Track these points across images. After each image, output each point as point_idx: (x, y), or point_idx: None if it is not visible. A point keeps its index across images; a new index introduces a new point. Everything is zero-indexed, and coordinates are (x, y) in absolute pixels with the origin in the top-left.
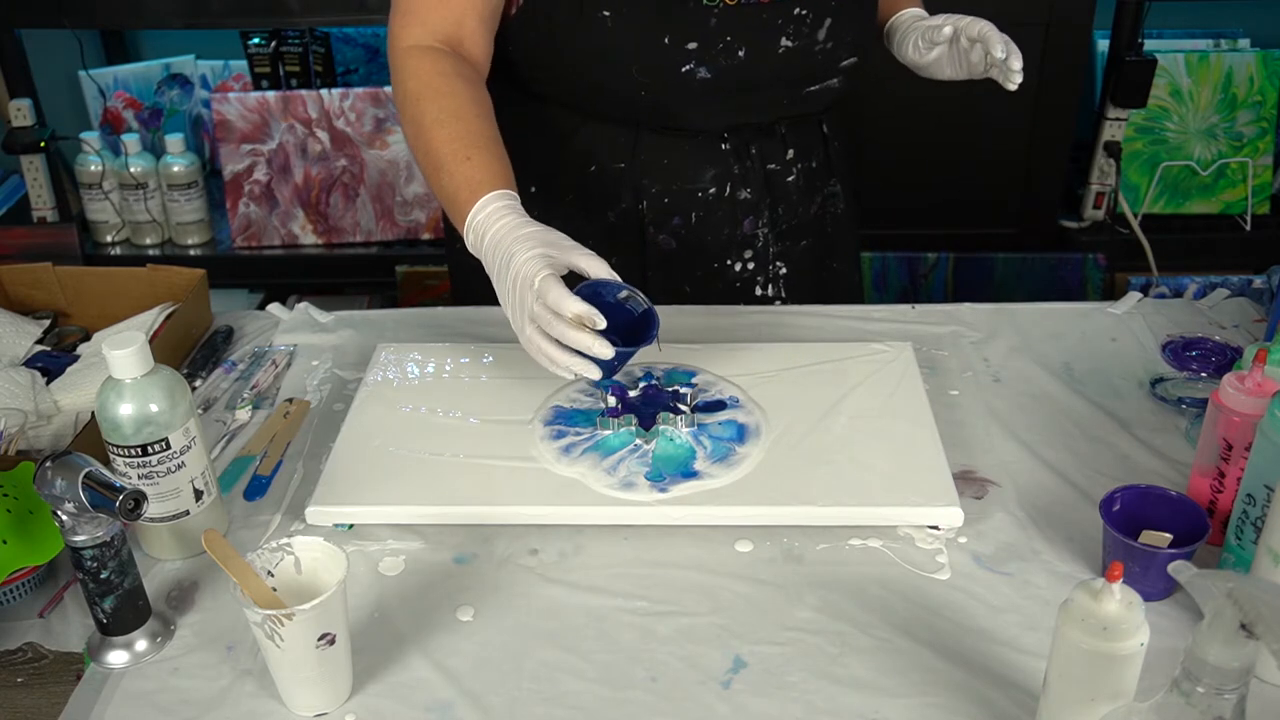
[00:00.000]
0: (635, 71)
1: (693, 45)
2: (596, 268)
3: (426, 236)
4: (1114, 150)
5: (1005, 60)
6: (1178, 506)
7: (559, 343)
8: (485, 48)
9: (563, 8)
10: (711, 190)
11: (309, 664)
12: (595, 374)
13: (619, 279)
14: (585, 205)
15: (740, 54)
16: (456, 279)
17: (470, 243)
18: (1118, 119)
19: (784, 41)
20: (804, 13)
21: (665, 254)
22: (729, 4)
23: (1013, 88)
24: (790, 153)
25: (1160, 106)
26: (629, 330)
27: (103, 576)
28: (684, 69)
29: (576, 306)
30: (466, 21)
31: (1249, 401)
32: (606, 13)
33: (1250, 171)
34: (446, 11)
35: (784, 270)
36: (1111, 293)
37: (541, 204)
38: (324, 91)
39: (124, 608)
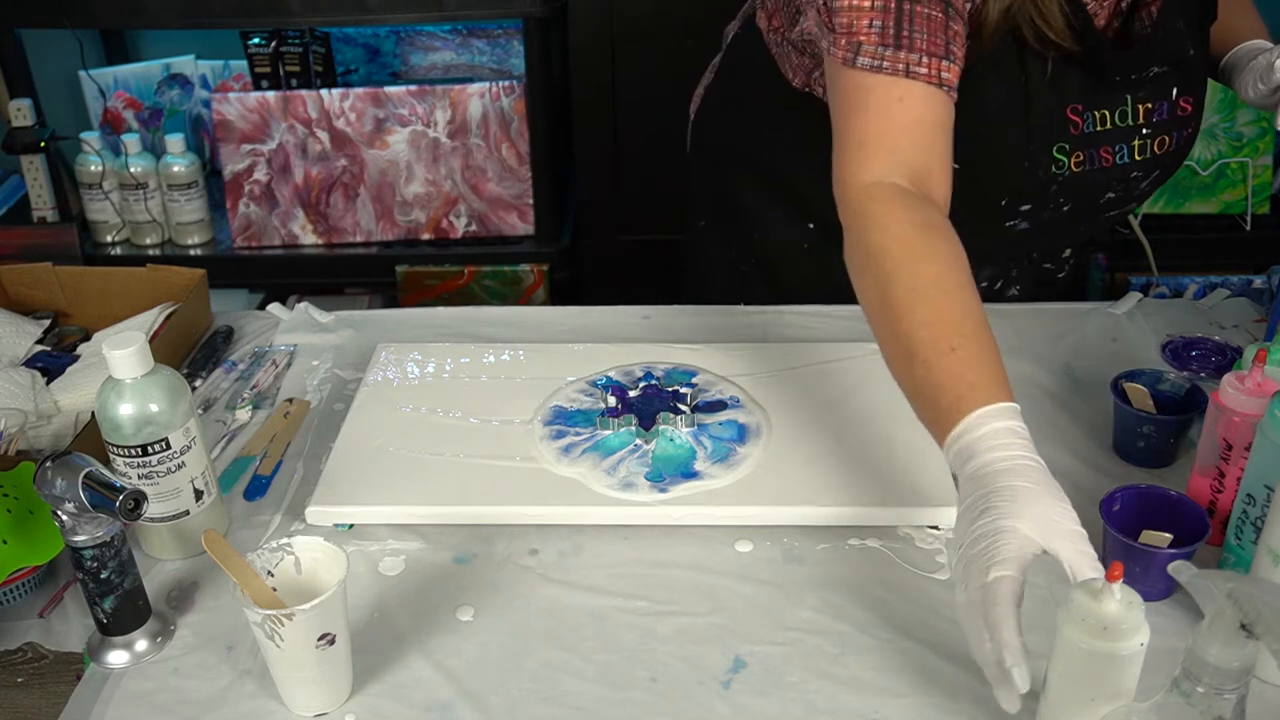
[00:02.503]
0: (960, 218)
1: (1026, 207)
2: (1081, 566)
3: (426, 236)
4: None
5: None
6: (1178, 506)
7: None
8: (946, 176)
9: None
10: (983, 284)
11: (309, 664)
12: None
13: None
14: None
15: (1065, 209)
16: (695, 267)
17: (949, 457)
18: None
19: (1108, 195)
20: (1139, 175)
21: None
22: (1074, 172)
23: None
24: (1067, 251)
25: None
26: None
27: (103, 576)
28: (1008, 223)
29: (1007, 641)
30: (936, 147)
31: (1249, 401)
32: (957, 166)
33: (1250, 171)
34: (918, 137)
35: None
36: (1111, 293)
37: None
38: (324, 91)
39: (124, 608)
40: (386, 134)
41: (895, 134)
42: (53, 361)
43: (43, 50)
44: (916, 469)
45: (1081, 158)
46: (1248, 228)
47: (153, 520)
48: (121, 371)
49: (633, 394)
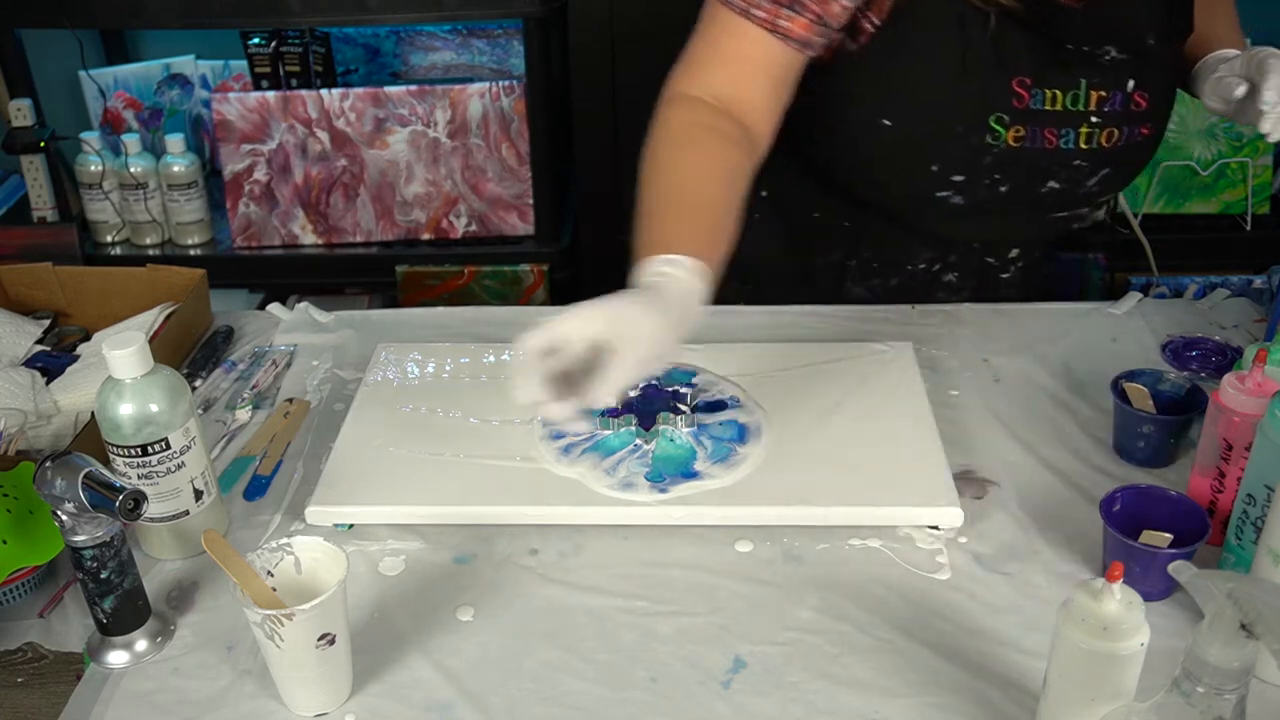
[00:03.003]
0: (890, 184)
1: (959, 178)
2: (602, 396)
3: (426, 236)
4: None
5: (1269, 108)
6: (1178, 506)
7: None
8: (768, 119)
9: (846, 95)
10: (921, 266)
11: (309, 664)
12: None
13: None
14: (802, 237)
15: (1002, 190)
16: None
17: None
18: None
19: (1050, 184)
20: (1082, 164)
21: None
22: (1011, 145)
23: (1266, 130)
24: (1014, 252)
25: None
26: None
27: (103, 576)
28: (939, 194)
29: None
30: (754, 84)
31: (1249, 401)
32: (887, 122)
33: (1250, 171)
34: (736, 70)
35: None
36: (1111, 293)
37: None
38: (324, 91)
39: (124, 608)
40: (386, 134)
41: (716, 61)
42: (53, 361)
43: (43, 50)
44: (916, 469)
45: (1022, 133)
46: (1248, 228)
47: (153, 520)
48: (121, 371)
49: (633, 394)
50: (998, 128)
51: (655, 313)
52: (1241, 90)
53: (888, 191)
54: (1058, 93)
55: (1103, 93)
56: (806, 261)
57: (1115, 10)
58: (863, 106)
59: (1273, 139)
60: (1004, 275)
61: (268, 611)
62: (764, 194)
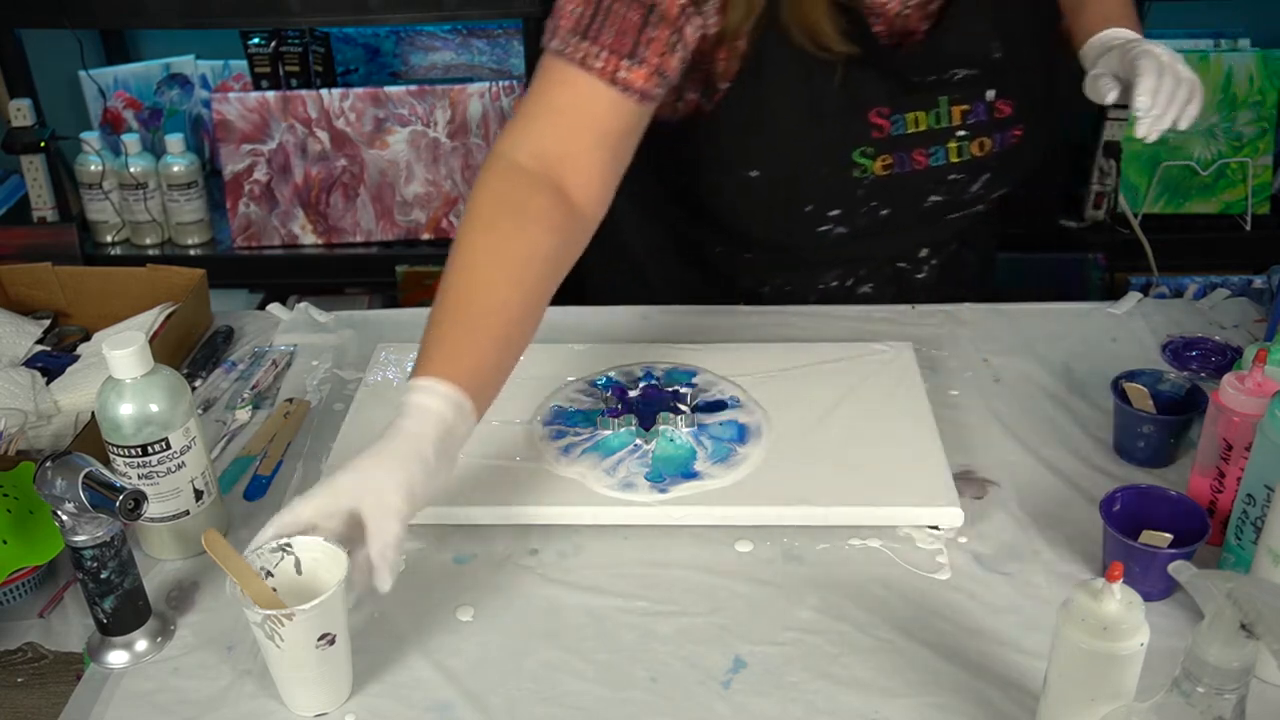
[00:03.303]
0: (770, 226)
1: (835, 212)
2: (381, 574)
3: (426, 236)
4: (1114, 150)
5: (1142, 113)
6: (1178, 506)
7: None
8: (599, 181)
9: (710, 151)
10: (834, 284)
11: (309, 664)
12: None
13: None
14: (713, 270)
15: (884, 213)
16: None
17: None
18: (1118, 119)
19: (932, 197)
20: (959, 176)
21: None
22: (880, 175)
23: (1141, 134)
24: (924, 252)
25: None
26: None
27: (103, 576)
28: (821, 229)
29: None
30: (585, 139)
31: (1249, 401)
32: (754, 174)
33: (1250, 171)
34: (564, 124)
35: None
36: (1111, 293)
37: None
38: (324, 91)
39: (124, 608)
40: (386, 134)
41: (542, 115)
42: (53, 361)
43: (43, 50)
44: (916, 469)
45: (890, 161)
46: (1248, 228)
47: (153, 520)
48: (121, 371)
49: (633, 394)
50: (863, 160)
51: (402, 466)
52: (1112, 96)
53: (770, 232)
54: (919, 114)
55: (964, 106)
56: (724, 292)
57: (955, 34)
58: (727, 161)
59: (1148, 140)
60: (919, 275)
61: (268, 612)
62: (670, 233)
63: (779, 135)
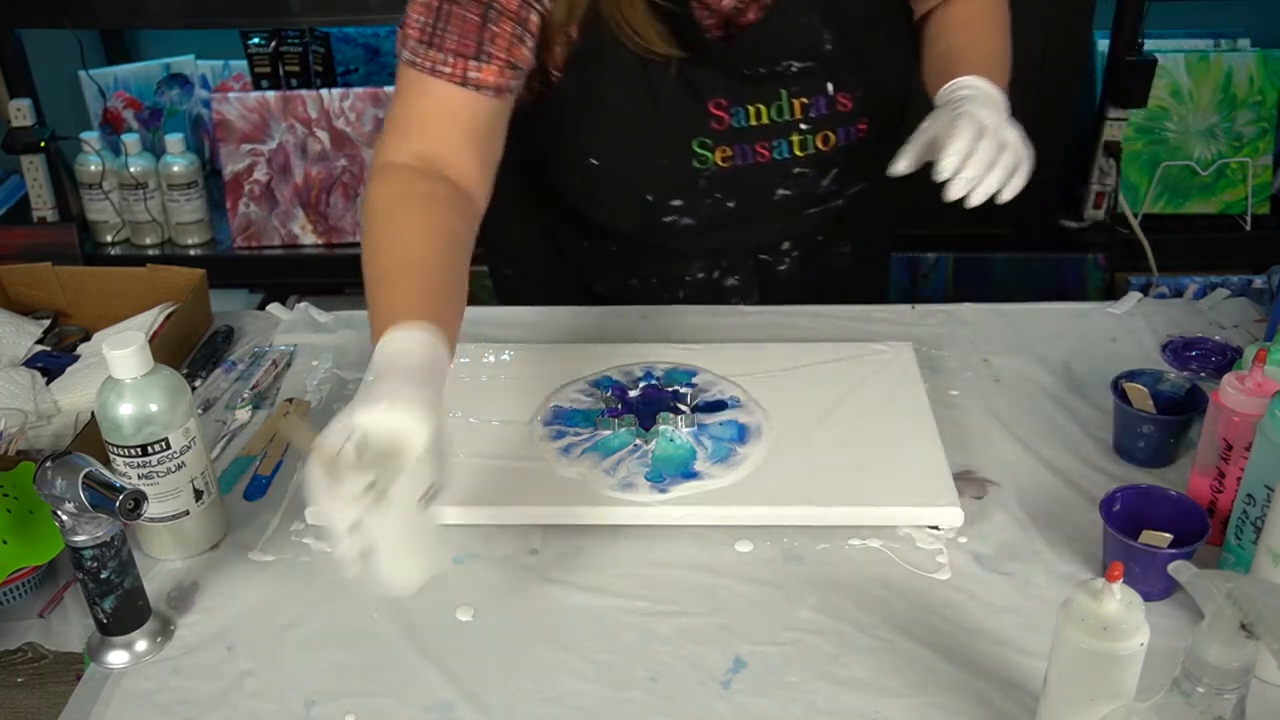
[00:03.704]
0: (617, 215)
1: (677, 202)
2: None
3: None
4: (1114, 150)
5: (948, 177)
6: (1178, 506)
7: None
8: (479, 173)
9: (556, 137)
10: (699, 275)
11: (415, 524)
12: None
13: None
14: (576, 269)
15: (730, 205)
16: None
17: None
18: (1118, 119)
19: (780, 191)
20: (806, 170)
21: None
22: (721, 167)
23: (952, 196)
24: (786, 244)
25: (1160, 106)
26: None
27: (103, 576)
28: (666, 219)
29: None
30: (454, 138)
31: (1249, 401)
32: (595, 161)
33: (1250, 171)
34: (433, 128)
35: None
36: (1111, 293)
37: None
38: (324, 91)
39: (124, 608)
40: None
41: (412, 122)
42: (53, 361)
43: (43, 50)
44: (916, 469)
45: (730, 153)
46: (1248, 228)
47: (153, 520)
48: (121, 371)
49: (633, 394)
50: (702, 151)
51: (431, 393)
52: (902, 166)
53: (618, 221)
54: (761, 107)
55: (804, 99)
56: (591, 287)
57: (783, 25)
58: (570, 148)
59: (969, 205)
60: (781, 268)
61: (380, 468)
62: (540, 229)
63: (616, 124)
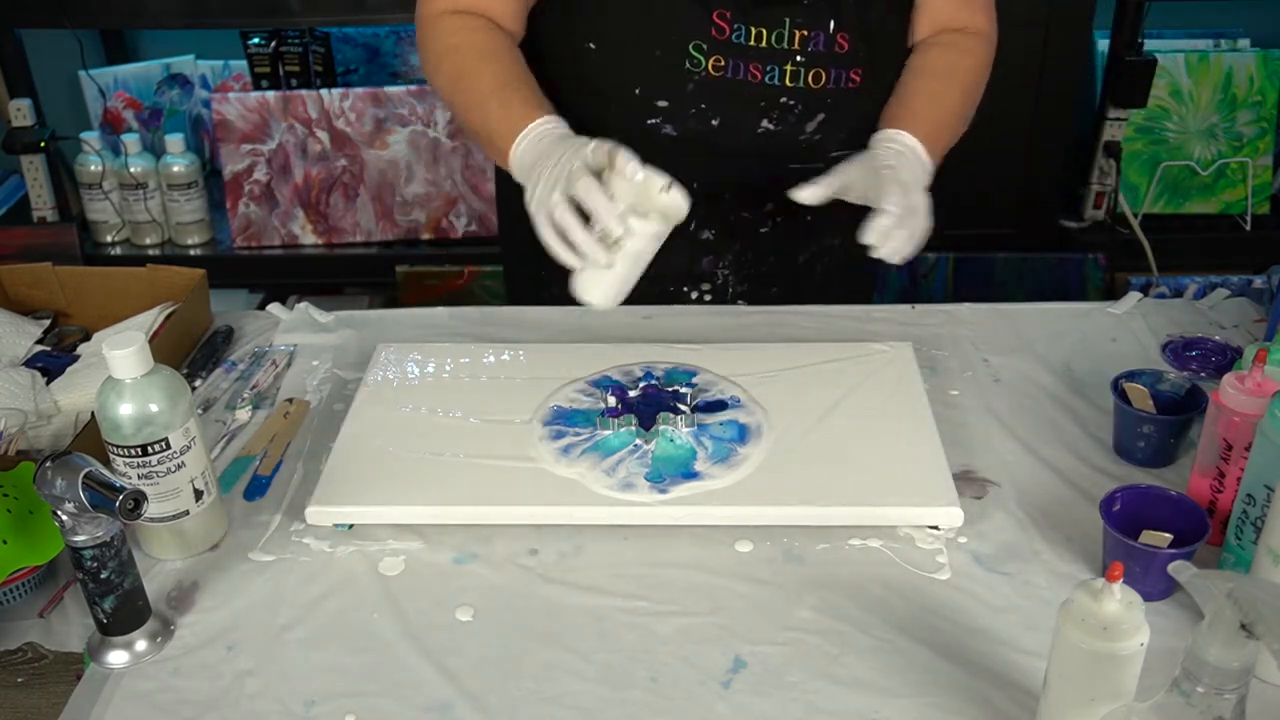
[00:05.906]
0: (604, 112)
1: (663, 104)
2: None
3: (426, 236)
4: (1114, 150)
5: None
6: (1178, 506)
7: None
8: (518, 21)
9: (566, 18)
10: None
11: (639, 256)
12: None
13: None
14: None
15: (714, 123)
16: (510, 264)
17: (515, 164)
18: (1118, 119)
19: (765, 124)
20: (792, 103)
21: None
22: (711, 75)
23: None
24: (770, 205)
25: (1160, 106)
26: None
27: (103, 576)
28: (649, 122)
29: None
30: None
31: (1249, 401)
32: (592, 45)
33: (1250, 171)
34: None
35: (745, 307)
36: (1111, 293)
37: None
38: (324, 91)
39: (124, 608)
40: (386, 134)
41: None
42: (53, 361)
43: (43, 50)
44: (916, 469)
45: (722, 63)
46: (1248, 228)
47: (153, 520)
48: (121, 371)
49: (633, 394)
50: (696, 54)
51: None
52: (808, 197)
53: (603, 122)
54: (762, 30)
55: (805, 31)
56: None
57: None
58: (571, 32)
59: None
60: (763, 230)
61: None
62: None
63: (619, 10)
